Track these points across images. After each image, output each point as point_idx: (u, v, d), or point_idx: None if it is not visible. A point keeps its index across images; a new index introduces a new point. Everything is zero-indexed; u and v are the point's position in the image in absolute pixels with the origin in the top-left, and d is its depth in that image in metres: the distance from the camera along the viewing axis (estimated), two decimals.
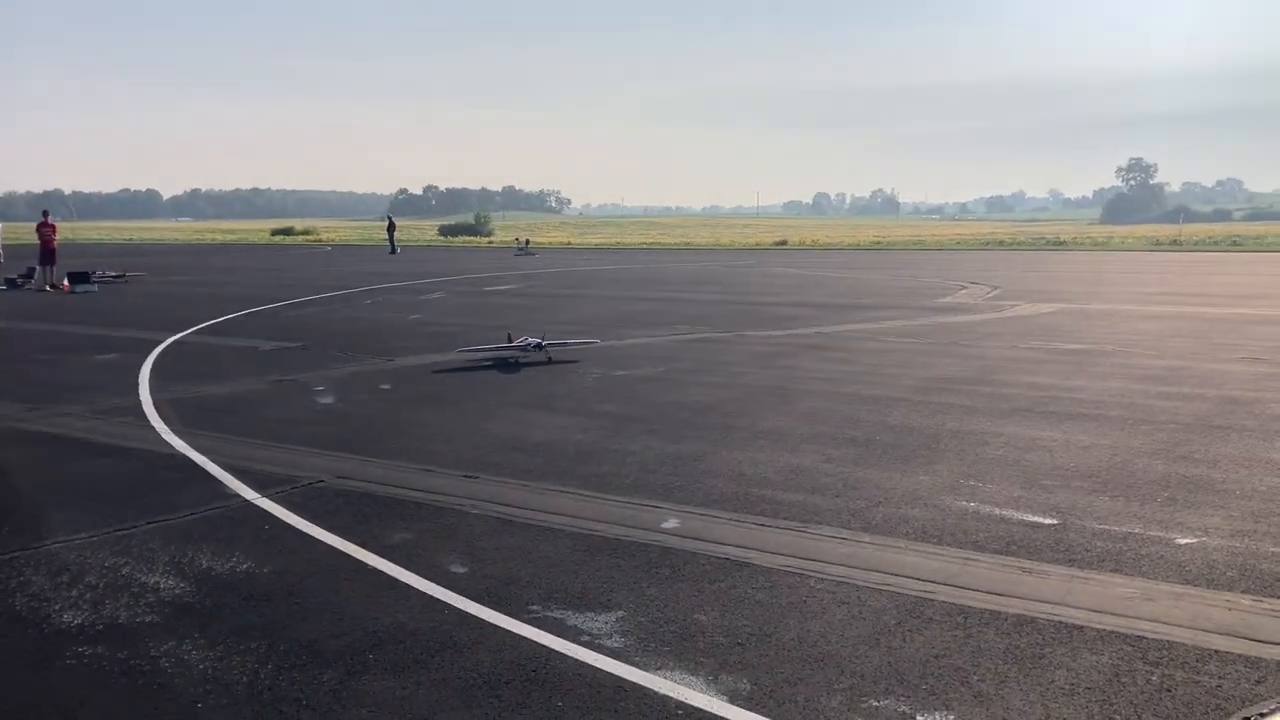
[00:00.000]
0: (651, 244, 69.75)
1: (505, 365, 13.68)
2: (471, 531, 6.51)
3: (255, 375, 13.32)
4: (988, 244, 60.84)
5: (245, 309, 22.41)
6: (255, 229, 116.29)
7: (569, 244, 69.19)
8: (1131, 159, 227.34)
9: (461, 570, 5.80)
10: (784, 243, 67.63)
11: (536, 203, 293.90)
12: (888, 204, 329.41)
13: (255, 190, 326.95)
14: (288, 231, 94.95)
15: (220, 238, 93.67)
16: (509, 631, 4.93)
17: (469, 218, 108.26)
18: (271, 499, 7.31)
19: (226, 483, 7.79)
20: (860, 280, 31.08)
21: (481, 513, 6.91)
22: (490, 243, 75.52)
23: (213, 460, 8.48)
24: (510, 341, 14.27)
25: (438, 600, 5.36)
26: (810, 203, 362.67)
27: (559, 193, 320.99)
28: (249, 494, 7.45)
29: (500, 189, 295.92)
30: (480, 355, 14.33)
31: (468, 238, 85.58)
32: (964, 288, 26.52)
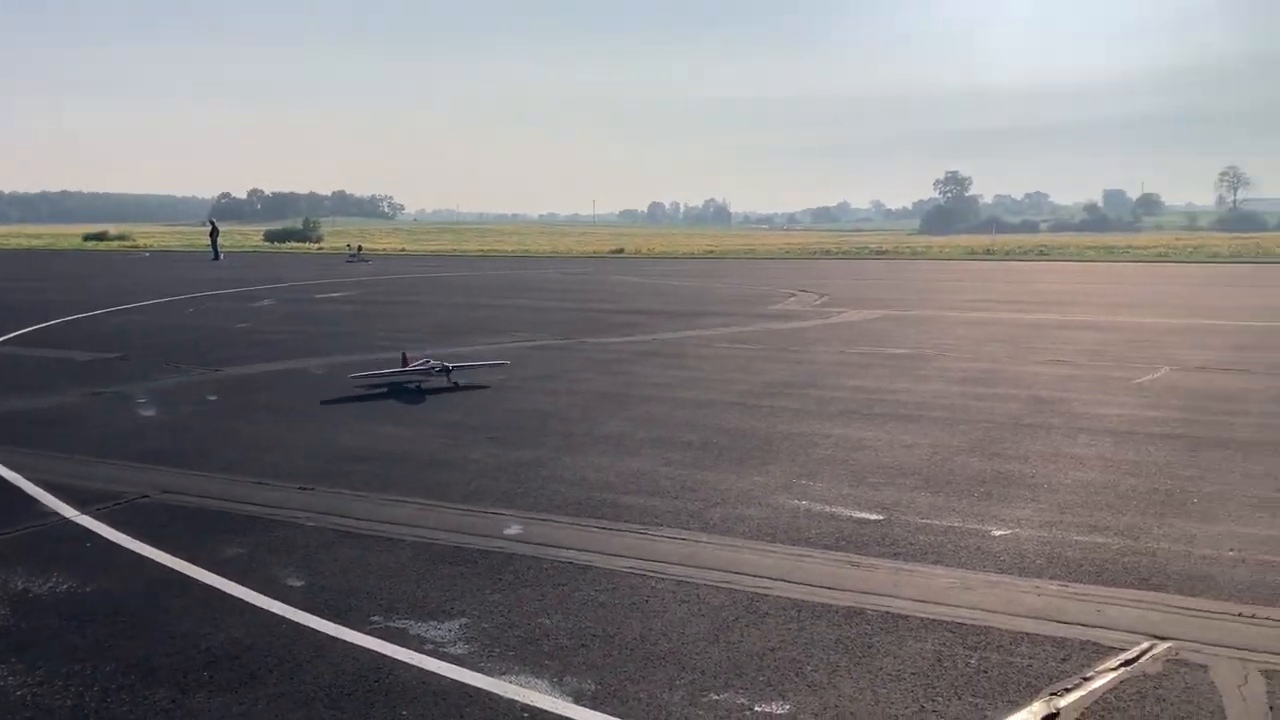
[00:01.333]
0: (489, 251, 69.21)
1: (404, 392, 12.04)
2: (308, 544, 6.37)
3: (72, 388, 12.63)
4: (815, 253, 62.82)
5: (59, 317, 21.20)
6: (65, 233, 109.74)
7: (404, 251, 67.94)
8: (948, 172, 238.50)
9: (298, 583, 5.68)
10: (621, 251, 68.19)
11: (369, 208, 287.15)
12: (720, 213, 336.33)
13: (64, 193, 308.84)
14: (101, 236, 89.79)
15: (26, 243, 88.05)
16: (350, 643, 4.86)
17: (297, 223, 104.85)
18: (93, 516, 6.98)
19: (42, 500, 7.39)
20: (695, 288, 31.67)
21: (318, 525, 6.77)
22: (320, 249, 73.37)
23: (26, 477, 8.03)
24: (406, 364, 12.61)
25: (274, 615, 5.23)
26: (645, 211, 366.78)
27: (391, 198, 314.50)
28: (68, 511, 7.09)
29: (330, 194, 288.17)
30: (374, 380, 12.41)
31: (295, 244, 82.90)
32: (793, 295, 27.34)
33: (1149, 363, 13.95)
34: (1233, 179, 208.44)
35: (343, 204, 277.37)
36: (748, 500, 7.27)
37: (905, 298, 26.50)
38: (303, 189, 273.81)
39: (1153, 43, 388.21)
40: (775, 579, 5.69)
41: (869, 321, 20.21)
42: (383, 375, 12.56)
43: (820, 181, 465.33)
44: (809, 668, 4.57)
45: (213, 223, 58.56)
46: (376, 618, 5.16)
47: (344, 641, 4.88)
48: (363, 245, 60.78)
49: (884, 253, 61.57)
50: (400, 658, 4.68)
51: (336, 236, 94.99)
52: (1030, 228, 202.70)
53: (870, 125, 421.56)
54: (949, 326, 19.16)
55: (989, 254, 58.12)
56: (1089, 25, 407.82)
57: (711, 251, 67.20)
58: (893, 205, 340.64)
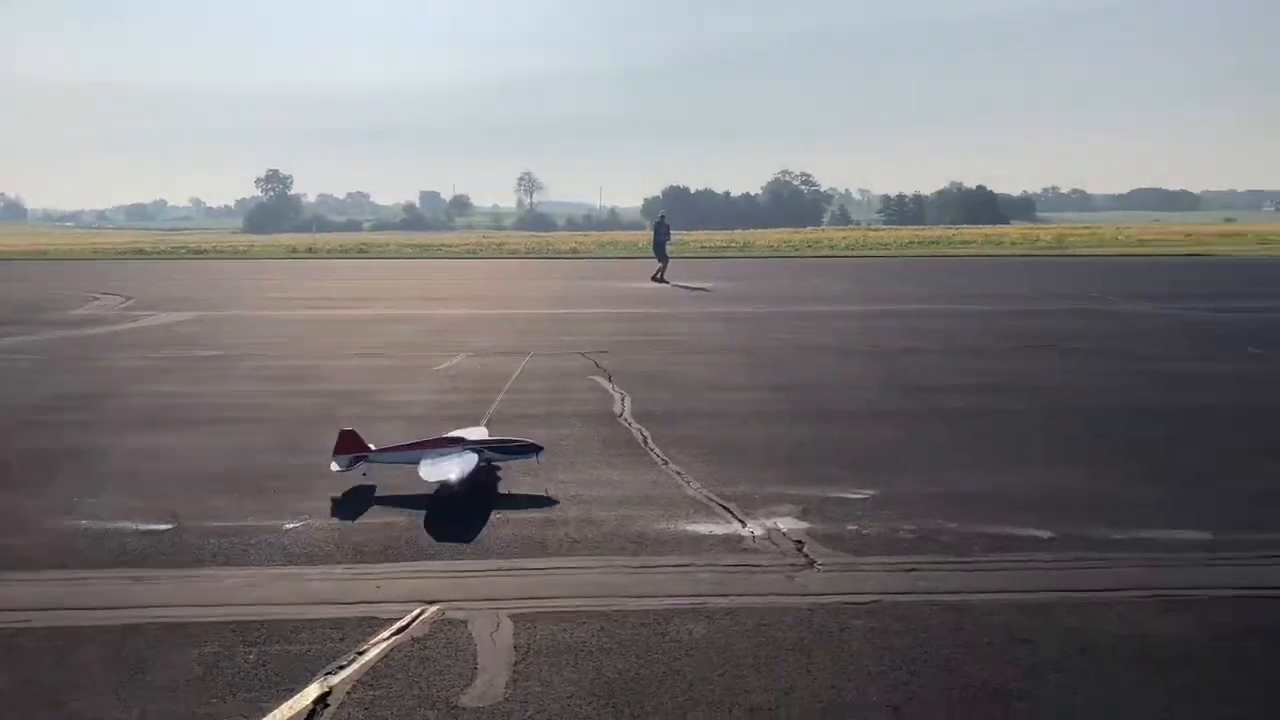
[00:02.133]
0: None
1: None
2: None
3: None
4: (126, 254, 58.24)
5: None
6: None
7: None
8: (269, 170, 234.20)
9: None
10: None
11: None
12: (11, 209, 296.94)
13: None
14: None
15: None
16: None
17: None
18: None
19: None
20: None
21: None
22: None
23: None
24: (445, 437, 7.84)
25: None
26: None
27: None
28: None
29: None
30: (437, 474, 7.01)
31: None
32: (97, 299, 25.13)
33: (448, 351, 15.02)
34: (528, 183, 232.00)
35: None
36: (16, 528, 6.52)
37: (222, 298, 25.67)
38: None
39: (462, 55, 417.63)
40: (42, 609, 5.18)
41: (179, 324, 19.24)
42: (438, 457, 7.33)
43: (135, 177, 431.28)
44: (71, 696, 4.23)
45: None
46: None
47: None
48: None
49: (203, 252, 59.07)
50: None
51: None
52: (354, 226, 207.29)
53: (189, 119, 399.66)
54: (265, 326, 18.95)
55: (311, 252, 58.49)
56: (402, 32, 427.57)
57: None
58: (214, 204, 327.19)
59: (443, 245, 70.45)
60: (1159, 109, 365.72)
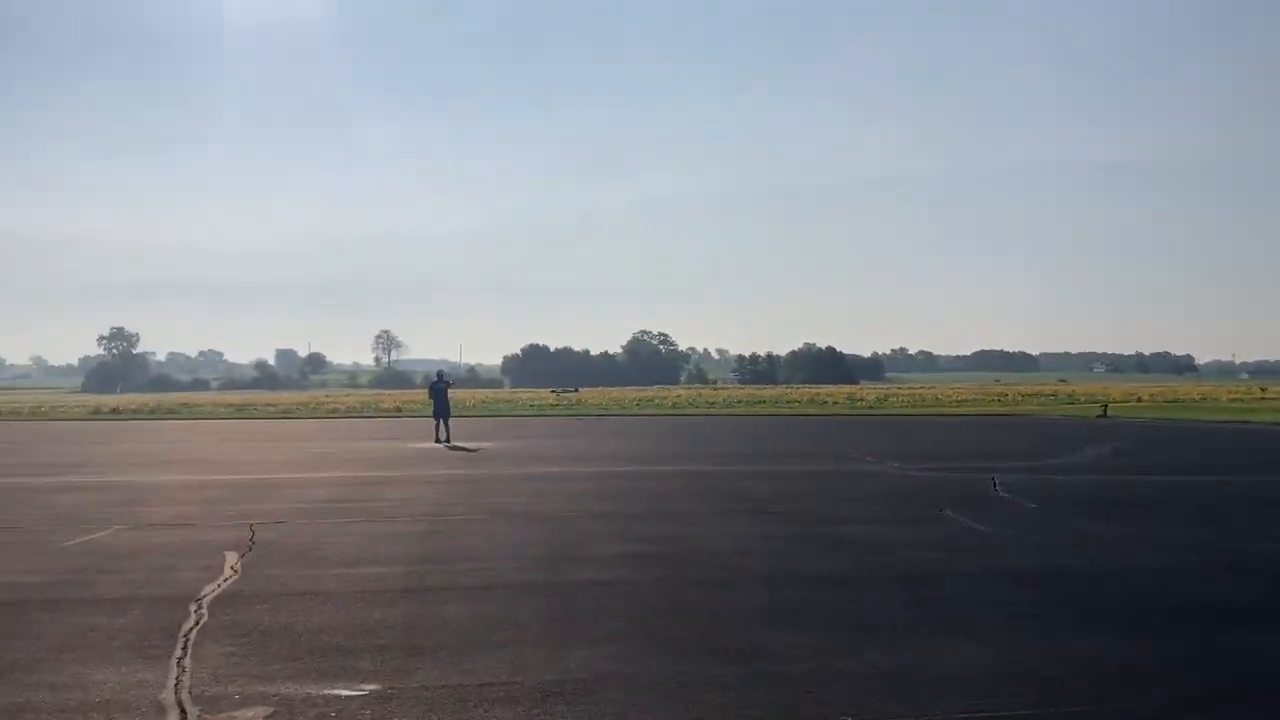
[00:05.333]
0: None
1: None
2: None
3: None
4: None
5: None
6: None
7: None
8: (114, 328, 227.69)
9: None
10: None
11: None
12: None
13: None
14: None
15: None
16: None
17: None
18: None
19: None
20: None
21: None
22: None
23: None
24: None
25: None
26: None
27: None
28: None
29: None
30: None
31: None
32: None
33: (109, 521, 13.81)
34: (387, 341, 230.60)
35: None
36: None
37: None
38: None
39: (322, 211, 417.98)
40: None
41: None
42: None
43: None
44: None
45: None
46: None
47: None
48: None
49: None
50: None
51: None
52: (201, 385, 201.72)
53: (29, 273, 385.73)
54: None
55: (115, 413, 55.86)
56: (260, 185, 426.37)
57: None
58: (56, 362, 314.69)
59: (262, 405, 68.27)
60: (1001, 273, 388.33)
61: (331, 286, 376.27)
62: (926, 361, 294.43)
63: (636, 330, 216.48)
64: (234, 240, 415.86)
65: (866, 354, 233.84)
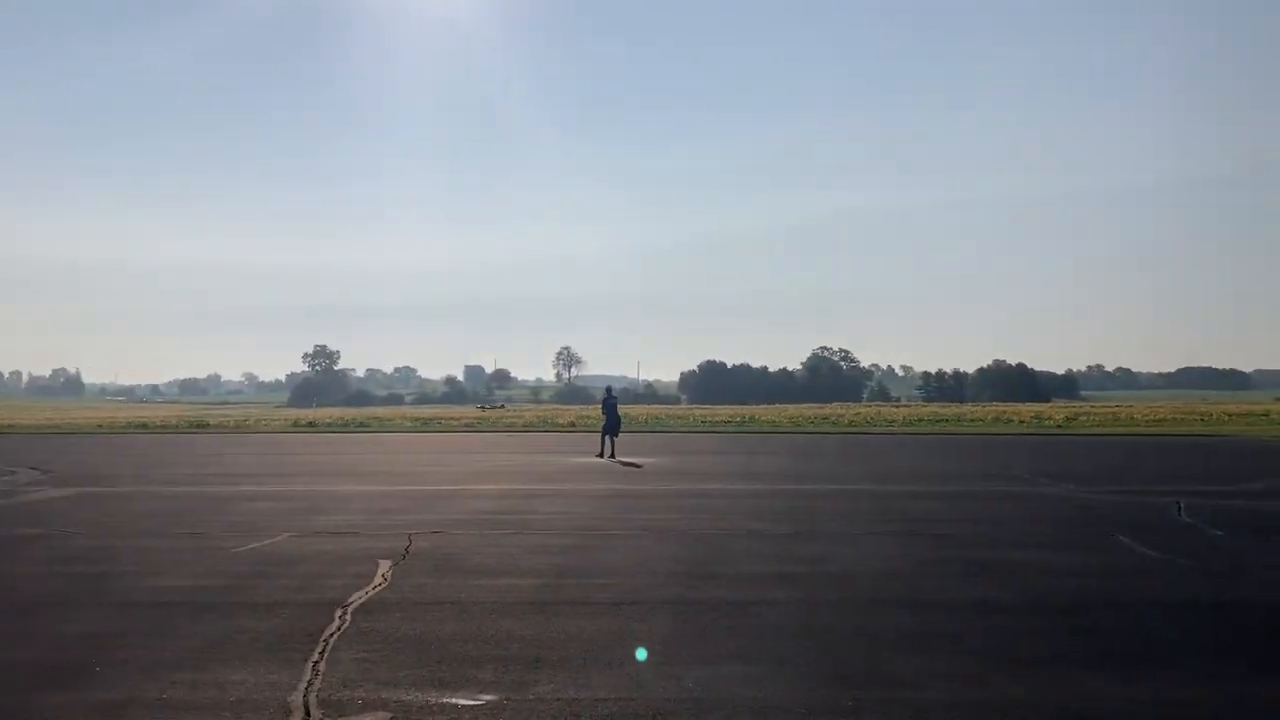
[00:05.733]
0: None
1: None
2: None
3: None
4: (129, 428, 59.17)
5: None
6: None
7: None
8: (316, 346, 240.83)
9: None
10: None
11: None
12: (71, 384, 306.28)
13: None
14: None
15: None
16: None
17: None
18: None
19: None
20: None
21: None
22: None
23: None
24: None
25: None
26: None
27: None
28: None
29: None
30: None
31: None
32: (13, 472, 25.18)
33: (277, 529, 14.50)
34: (567, 358, 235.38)
35: None
36: None
37: (148, 473, 25.52)
38: None
39: (507, 233, 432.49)
40: None
41: (57, 501, 18.96)
42: None
43: (189, 352, 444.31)
44: None
45: None
46: None
47: None
48: None
49: (203, 426, 59.73)
50: None
51: None
52: (396, 400, 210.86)
53: (242, 296, 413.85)
54: (146, 502, 18.61)
55: (311, 426, 58.93)
56: (449, 214, 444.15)
57: (10, 426, 60.37)
58: (266, 378, 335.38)
59: (446, 419, 70.74)
60: (1208, 285, 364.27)
61: (516, 304, 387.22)
62: (1126, 378, 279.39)
63: (816, 347, 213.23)
64: (426, 260, 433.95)
65: (1060, 371, 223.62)
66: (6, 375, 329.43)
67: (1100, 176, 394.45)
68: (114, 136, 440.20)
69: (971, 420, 65.80)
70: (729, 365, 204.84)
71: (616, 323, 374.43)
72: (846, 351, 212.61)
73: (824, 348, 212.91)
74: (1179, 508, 16.77)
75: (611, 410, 31.56)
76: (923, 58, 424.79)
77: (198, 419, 69.22)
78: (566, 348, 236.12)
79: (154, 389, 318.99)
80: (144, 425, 61.32)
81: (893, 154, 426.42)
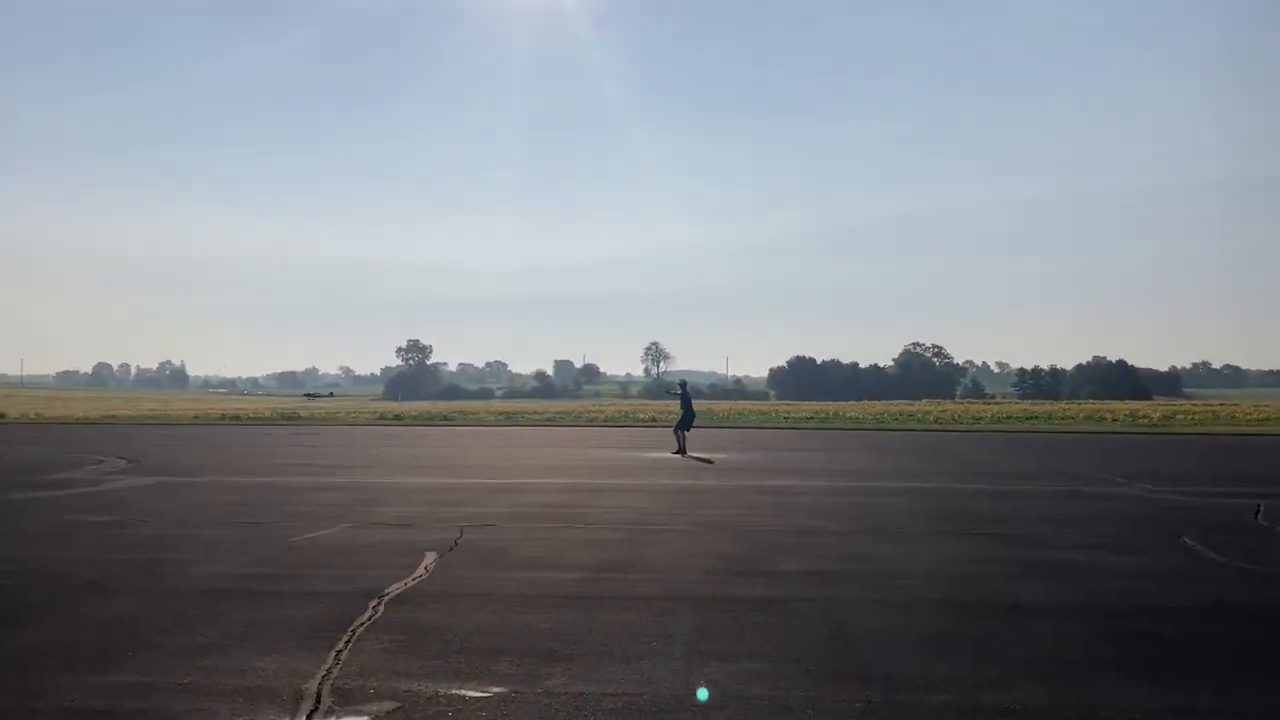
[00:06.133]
0: None
1: None
2: None
3: None
4: (224, 419, 60.92)
5: None
6: None
7: None
8: (410, 340, 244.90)
9: None
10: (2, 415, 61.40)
11: None
12: (176, 377, 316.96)
13: None
14: None
15: None
16: None
17: None
18: None
19: None
20: None
21: None
22: None
23: None
24: None
25: None
26: (90, 373, 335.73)
27: None
28: None
29: None
30: None
31: None
32: (100, 463, 26.05)
33: (335, 520, 14.78)
34: (655, 353, 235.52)
35: None
36: None
37: (227, 464, 26.23)
38: None
39: (597, 229, 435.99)
40: None
41: (135, 489, 19.59)
42: None
43: (287, 346, 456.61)
44: None
45: None
46: None
47: None
48: None
49: (295, 418, 61.18)
50: None
51: None
52: (486, 394, 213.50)
53: (339, 290, 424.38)
54: (218, 492, 19.12)
55: (397, 419, 59.95)
56: (541, 210, 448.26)
57: (113, 417, 62.64)
58: (362, 371, 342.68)
59: (530, 412, 71.37)
60: None
61: (607, 299, 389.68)
62: (1234, 376, 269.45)
63: (909, 342, 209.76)
64: (519, 256, 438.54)
65: (1164, 368, 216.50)
66: (116, 368, 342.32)
67: (1213, 170, 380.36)
68: (224, 134, 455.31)
69: (1063, 418, 64.07)
70: (819, 361, 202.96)
71: (707, 319, 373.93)
72: (939, 347, 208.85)
73: (916, 343, 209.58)
74: (1258, 511, 16.08)
75: (686, 403, 31.39)
76: (1021, 55, 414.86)
77: (289, 411, 71.00)
78: (655, 343, 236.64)
79: (254, 382, 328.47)
80: (236, 417, 63.07)
81: (989, 151, 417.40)
